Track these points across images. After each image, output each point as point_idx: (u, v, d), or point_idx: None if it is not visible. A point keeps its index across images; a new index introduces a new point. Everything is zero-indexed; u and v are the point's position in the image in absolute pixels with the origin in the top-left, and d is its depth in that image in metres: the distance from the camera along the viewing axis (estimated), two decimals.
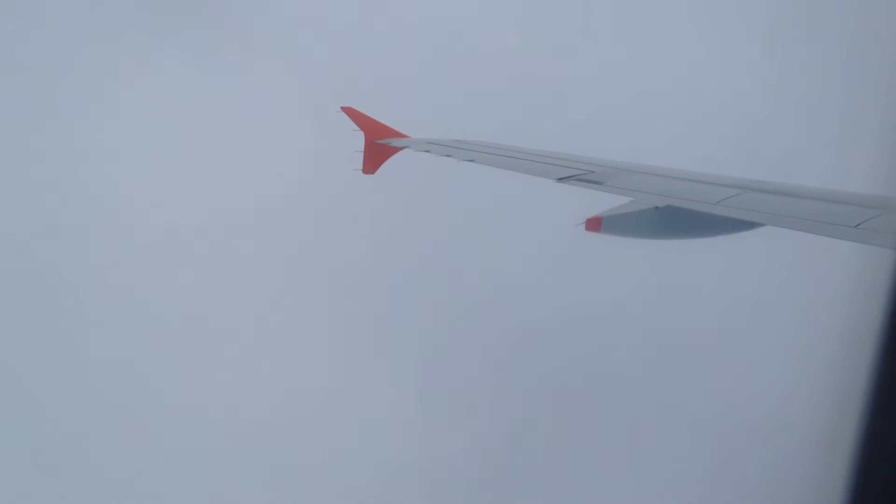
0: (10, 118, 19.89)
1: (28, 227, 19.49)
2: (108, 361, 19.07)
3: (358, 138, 13.92)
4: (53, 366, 18.83)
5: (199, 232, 20.09)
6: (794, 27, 19.14)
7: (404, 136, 13.79)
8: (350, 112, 14.06)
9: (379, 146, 13.81)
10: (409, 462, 18.23)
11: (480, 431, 18.53)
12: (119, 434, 18.31)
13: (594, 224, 8.81)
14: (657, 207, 8.75)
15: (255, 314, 20.03)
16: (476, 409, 18.73)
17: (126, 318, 19.76)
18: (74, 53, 20.58)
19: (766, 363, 17.08)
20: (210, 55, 21.09)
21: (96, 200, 20.14)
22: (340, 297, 20.18)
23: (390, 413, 19.04)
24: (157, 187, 20.47)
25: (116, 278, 19.87)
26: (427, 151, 12.24)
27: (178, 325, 19.68)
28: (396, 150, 13.59)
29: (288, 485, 17.94)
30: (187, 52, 20.84)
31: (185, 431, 18.54)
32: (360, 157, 13.93)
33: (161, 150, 20.79)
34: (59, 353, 18.94)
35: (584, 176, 9.52)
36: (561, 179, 9.55)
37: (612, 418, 18.23)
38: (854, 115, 16.52)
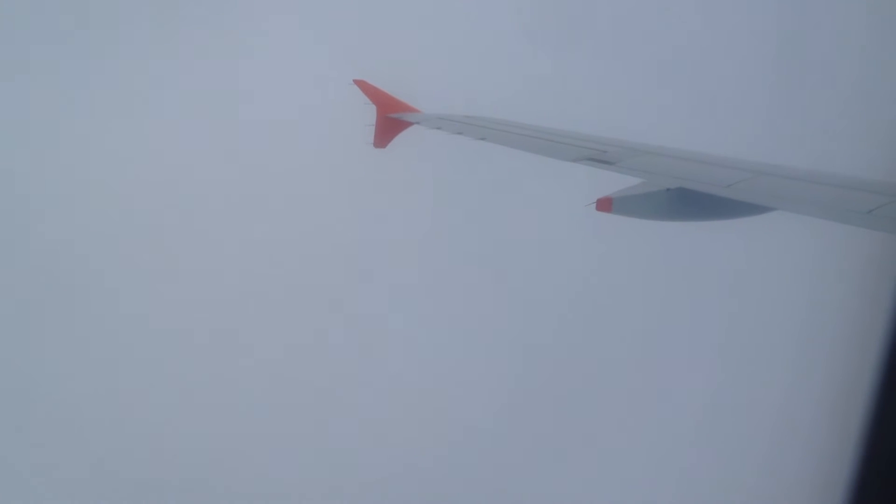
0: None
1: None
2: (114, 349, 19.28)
3: (370, 112, 13.90)
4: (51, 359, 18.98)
5: (204, 208, 20.14)
6: (811, 7, 18.90)
7: (416, 111, 13.74)
8: (362, 85, 14.03)
9: (391, 120, 13.79)
10: (412, 447, 18.39)
11: (481, 414, 18.59)
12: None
13: (605, 204, 8.80)
14: (668, 189, 8.73)
15: (259, 291, 20.09)
16: (478, 391, 18.78)
17: (134, 295, 19.91)
18: (79, 27, 20.51)
19: (774, 349, 17.06)
20: (219, 26, 20.98)
21: (98, 174, 20.18)
22: (347, 275, 20.21)
23: (395, 386, 19.18)
24: (163, 163, 20.48)
25: (124, 259, 19.97)
26: (439, 128, 12.21)
27: (182, 301, 19.80)
28: (408, 124, 13.57)
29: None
30: (194, 22, 20.74)
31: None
32: (372, 130, 13.93)
33: (167, 124, 20.77)
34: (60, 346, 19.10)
35: (596, 156, 9.50)
36: (573, 159, 9.54)
37: (616, 402, 18.26)
38: (870, 99, 16.35)
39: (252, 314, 19.93)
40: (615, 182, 9.10)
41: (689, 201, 8.69)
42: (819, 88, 18.18)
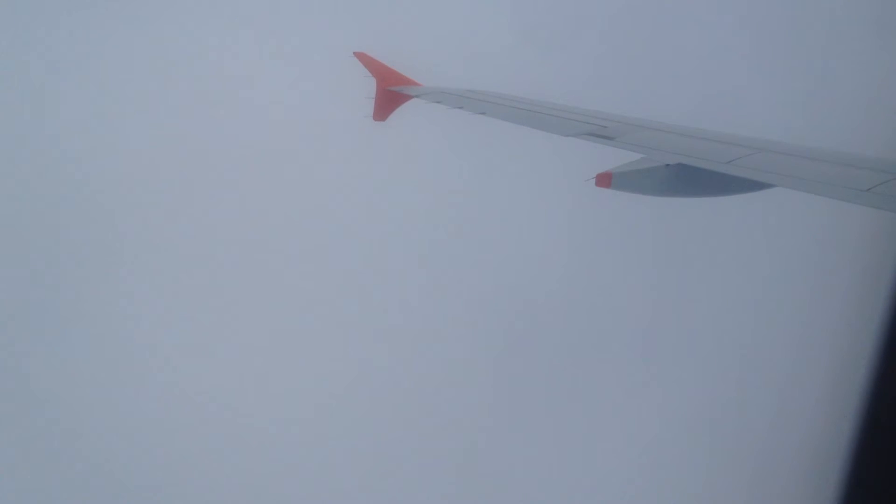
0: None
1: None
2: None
3: (370, 84, 13.85)
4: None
5: (201, 181, 20.07)
6: None
7: (417, 84, 13.68)
8: (362, 57, 13.97)
9: (391, 93, 13.74)
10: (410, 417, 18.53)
11: (477, 389, 18.67)
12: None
13: (604, 180, 8.78)
14: (668, 165, 8.73)
15: (254, 266, 20.09)
16: (472, 368, 18.84)
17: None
18: None
19: (772, 325, 17.12)
20: None
21: (101, 152, 20.08)
22: (343, 249, 20.19)
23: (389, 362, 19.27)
24: (159, 133, 20.37)
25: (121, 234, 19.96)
26: (439, 102, 12.17)
27: (176, 276, 19.83)
28: (408, 97, 13.51)
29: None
30: None
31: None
32: (372, 103, 13.89)
33: (163, 95, 20.62)
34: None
35: (596, 131, 9.48)
36: (573, 134, 9.52)
37: (611, 378, 18.33)
38: (872, 76, 16.28)
39: (248, 290, 19.98)
40: (615, 157, 9.09)
41: (688, 177, 8.68)
42: (820, 64, 18.08)
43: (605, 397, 18.17)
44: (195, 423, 18.61)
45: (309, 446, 18.45)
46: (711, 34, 19.23)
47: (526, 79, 16.05)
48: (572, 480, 17.81)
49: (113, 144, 20.29)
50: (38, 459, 17.99)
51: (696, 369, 17.59)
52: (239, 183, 20.44)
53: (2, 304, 18.84)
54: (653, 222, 16.29)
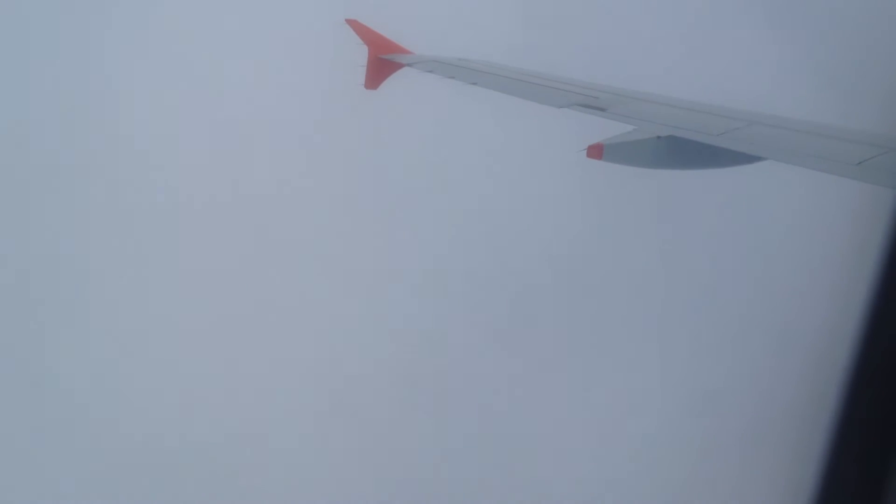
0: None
1: None
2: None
3: (362, 52, 13.75)
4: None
5: (190, 146, 19.95)
6: None
7: (409, 53, 13.58)
8: (355, 25, 13.83)
9: (383, 61, 13.64)
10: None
11: (468, 363, 18.69)
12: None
13: (596, 151, 8.78)
14: (659, 137, 8.72)
15: (247, 235, 19.99)
16: (460, 339, 18.85)
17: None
18: None
19: (759, 299, 17.21)
20: None
21: (90, 123, 19.91)
22: (330, 220, 20.10)
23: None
24: (152, 105, 20.20)
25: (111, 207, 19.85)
26: (431, 71, 12.10)
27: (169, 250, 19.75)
28: (400, 66, 13.42)
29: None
30: None
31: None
32: (364, 71, 13.80)
33: (154, 64, 20.41)
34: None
35: (588, 102, 9.44)
36: (565, 105, 9.49)
37: (595, 351, 18.31)
38: (863, 51, 16.21)
39: (242, 258, 19.93)
40: (607, 129, 9.07)
41: (680, 149, 8.68)
42: (815, 37, 18.01)
43: (591, 370, 18.26)
44: (194, 422, 18.62)
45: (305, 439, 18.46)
46: (706, 5, 19.12)
47: (518, 48, 15.93)
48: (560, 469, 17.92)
49: (106, 119, 20.15)
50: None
51: (681, 342, 17.68)
52: (227, 154, 20.32)
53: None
54: (644, 194, 16.27)
